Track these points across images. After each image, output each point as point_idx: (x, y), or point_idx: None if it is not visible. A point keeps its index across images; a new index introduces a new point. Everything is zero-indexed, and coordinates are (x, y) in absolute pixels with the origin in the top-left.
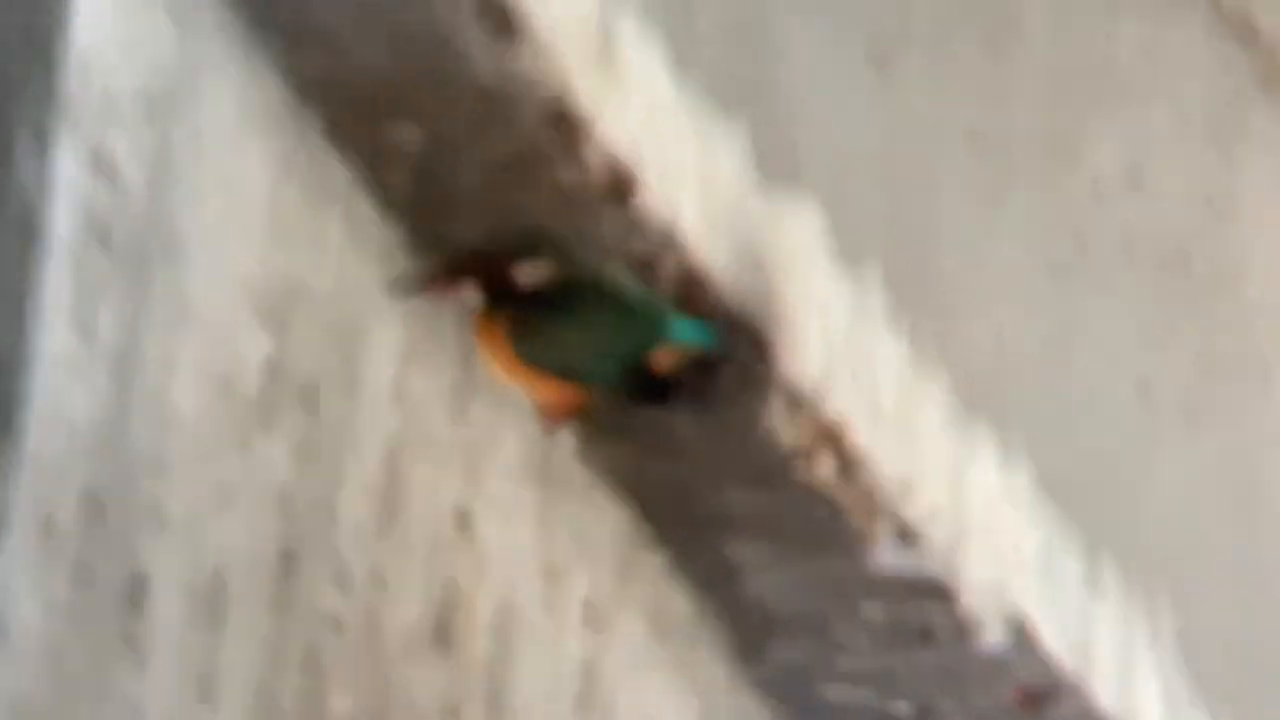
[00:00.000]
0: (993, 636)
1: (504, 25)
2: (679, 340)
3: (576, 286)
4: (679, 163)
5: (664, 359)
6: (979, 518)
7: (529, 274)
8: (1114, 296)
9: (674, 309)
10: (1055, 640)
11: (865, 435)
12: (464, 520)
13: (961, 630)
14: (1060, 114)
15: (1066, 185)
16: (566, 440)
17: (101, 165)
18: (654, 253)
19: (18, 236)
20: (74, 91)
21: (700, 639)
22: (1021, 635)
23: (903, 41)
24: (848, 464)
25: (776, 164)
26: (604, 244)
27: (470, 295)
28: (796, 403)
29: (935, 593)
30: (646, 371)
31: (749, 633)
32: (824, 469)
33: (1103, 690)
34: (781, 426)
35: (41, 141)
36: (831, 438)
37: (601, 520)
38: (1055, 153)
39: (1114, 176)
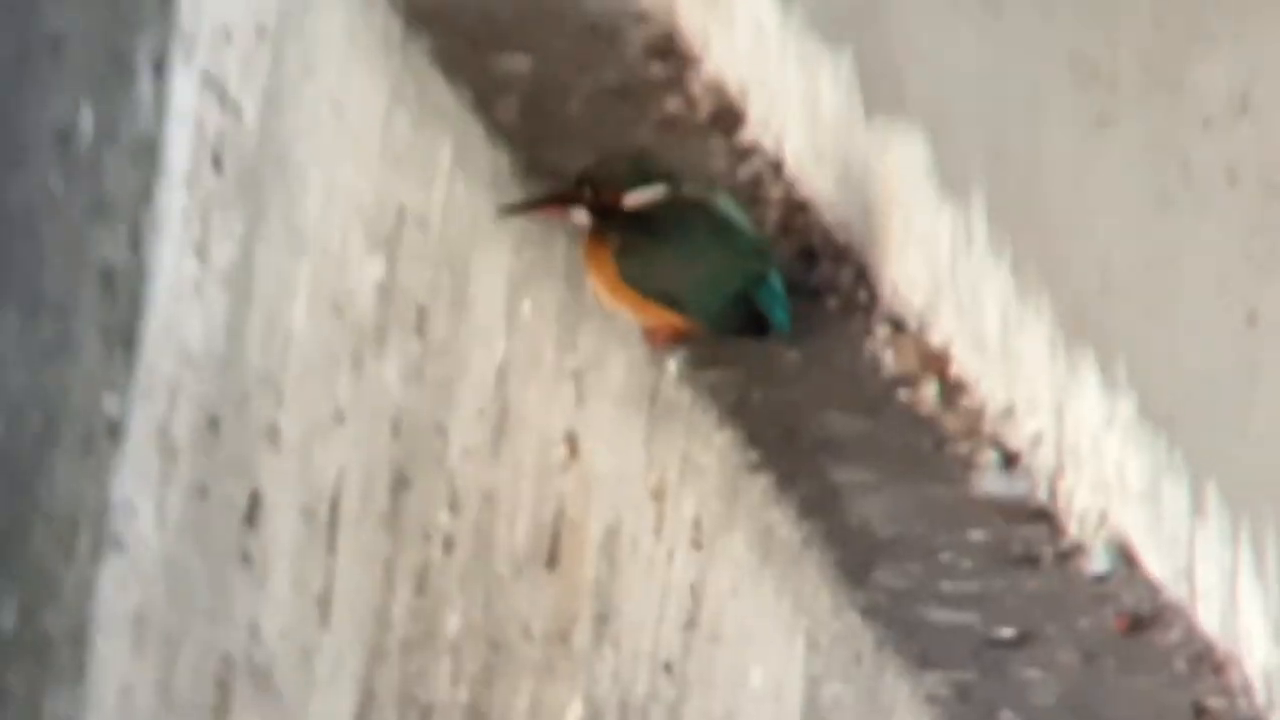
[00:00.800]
0: (1096, 562)
1: None
2: (768, 305)
3: (685, 213)
4: (784, 93)
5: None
6: (1083, 444)
7: (639, 197)
8: (1220, 224)
9: (774, 260)
10: (1159, 566)
11: (969, 362)
12: (573, 443)
13: (1065, 555)
14: (1166, 41)
15: (1172, 112)
16: (672, 365)
17: (216, 92)
18: (760, 182)
19: (136, 161)
20: (189, 20)
21: (806, 562)
22: (1125, 561)
23: None
24: (951, 390)
25: (881, 93)
26: (711, 173)
27: (579, 218)
28: (900, 330)
29: (1039, 518)
30: (748, 308)
31: (854, 556)
32: (928, 395)
33: (1206, 616)
34: (885, 353)
35: (159, 69)
36: (935, 364)
37: (707, 444)
38: (1160, 80)
39: (1220, 104)
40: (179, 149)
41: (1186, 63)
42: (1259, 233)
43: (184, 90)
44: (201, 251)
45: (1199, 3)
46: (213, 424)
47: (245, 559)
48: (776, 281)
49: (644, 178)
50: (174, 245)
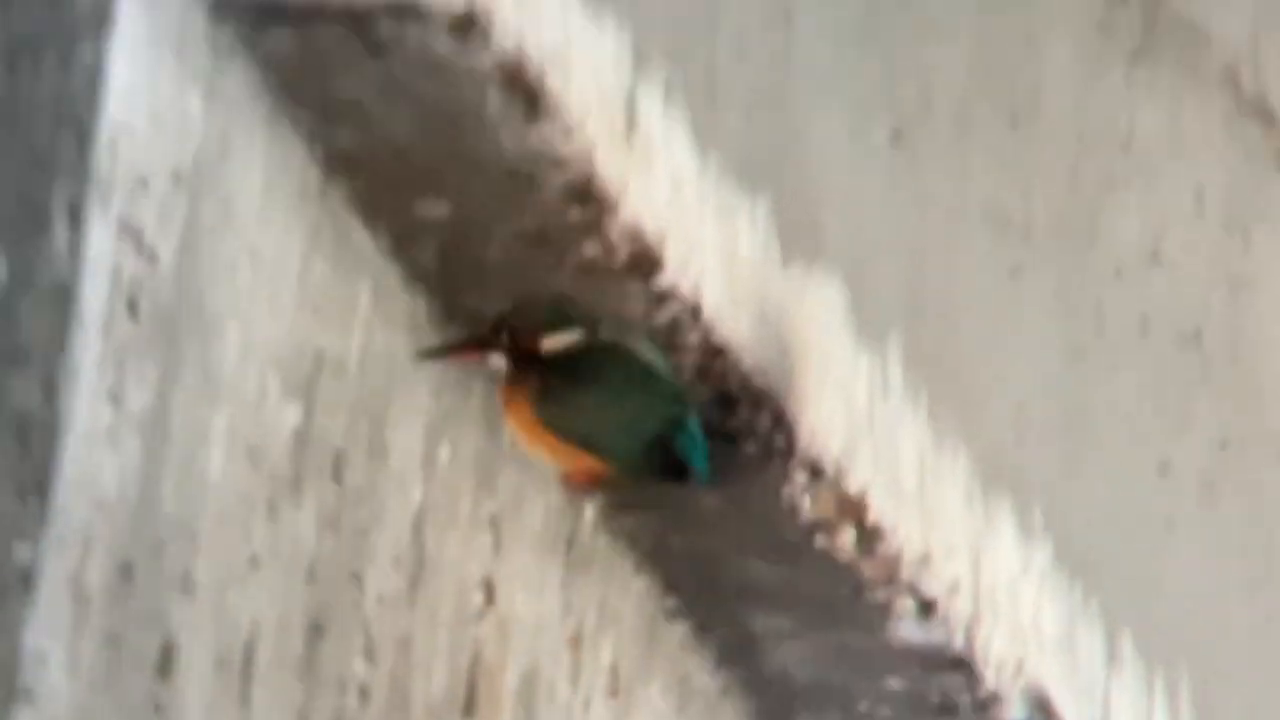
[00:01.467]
0: (1014, 711)
1: (530, 103)
2: (686, 451)
3: (603, 358)
4: (702, 239)
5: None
6: (999, 592)
7: (556, 342)
8: (1132, 375)
9: (692, 408)
10: (1075, 715)
11: (886, 508)
12: (489, 590)
13: (983, 705)
14: (1079, 192)
15: (1085, 263)
16: (590, 510)
17: (132, 239)
18: (678, 326)
19: (51, 308)
20: (105, 166)
21: (723, 710)
22: (1042, 710)
23: (923, 119)
24: (869, 537)
25: (798, 240)
26: (629, 318)
27: (497, 363)
28: (818, 476)
29: (956, 667)
30: (667, 452)
31: (772, 704)
32: (845, 542)
33: None
34: (803, 499)
35: (75, 215)
36: (853, 511)
37: (625, 590)
38: (1074, 231)
39: (1132, 255)
40: (94, 296)
41: (1099, 213)
42: (1171, 383)
43: (100, 237)
44: (116, 398)
45: (1111, 156)
46: (126, 572)
47: (158, 710)
48: (695, 427)
49: (561, 322)
50: (89, 393)
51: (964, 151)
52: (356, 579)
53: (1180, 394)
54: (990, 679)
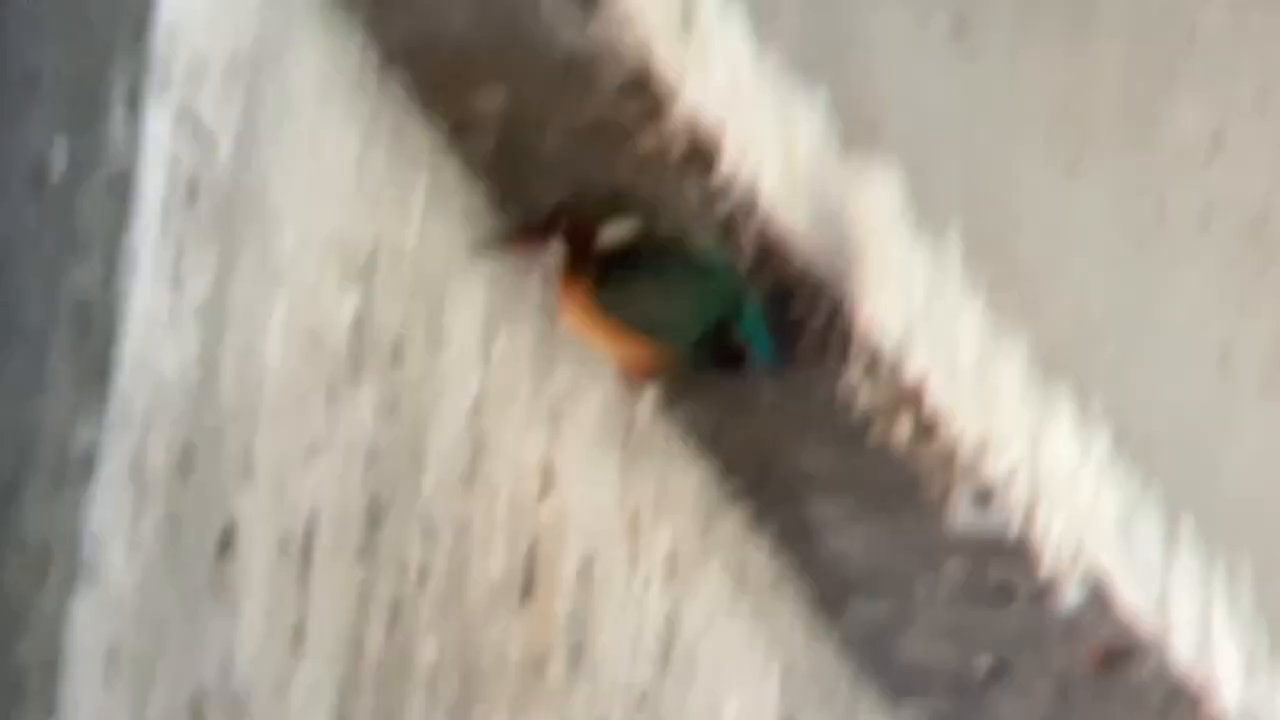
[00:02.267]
0: (1070, 596)
1: None
2: (748, 335)
3: (661, 248)
4: (760, 130)
5: (736, 336)
6: (1057, 479)
7: (614, 233)
8: (1193, 264)
9: (753, 294)
10: (1133, 600)
11: (944, 397)
12: (548, 476)
13: (1039, 590)
14: (1141, 82)
15: (1146, 152)
16: (648, 398)
17: (190, 126)
18: (735, 219)
19: (111, 194)
20: (163, 55)
21: (781, 595)
22: (1099, 595)
23: (984, 9)
24: (926, 425)
25: (856, 131)
26: (686, 209)
27: (555, 253)
28: (875, 365)
29: (1013, 552)
30: (724, 340)
31: (829, 589)
32: (903, 430)
33: (1181, 650)
34: (861, 388)
35: (133, 104)
36: (910, 399)
37: (683, 477)
38: (1135, 120)
39: (1194, 144)
40: (153, 183)
41: (1160, 104)
42: (1233, 272)
43: (158, 124)
44: (176, 284)
45: (1170, 46)
46: (187, 456)
47: (219, 590)
48: (755, 313)
49: (620, 212)
50: (148, 279)
51: (1025, 42)
52: (416, 464)
53: (1242, 283)
54: (1047, 565)
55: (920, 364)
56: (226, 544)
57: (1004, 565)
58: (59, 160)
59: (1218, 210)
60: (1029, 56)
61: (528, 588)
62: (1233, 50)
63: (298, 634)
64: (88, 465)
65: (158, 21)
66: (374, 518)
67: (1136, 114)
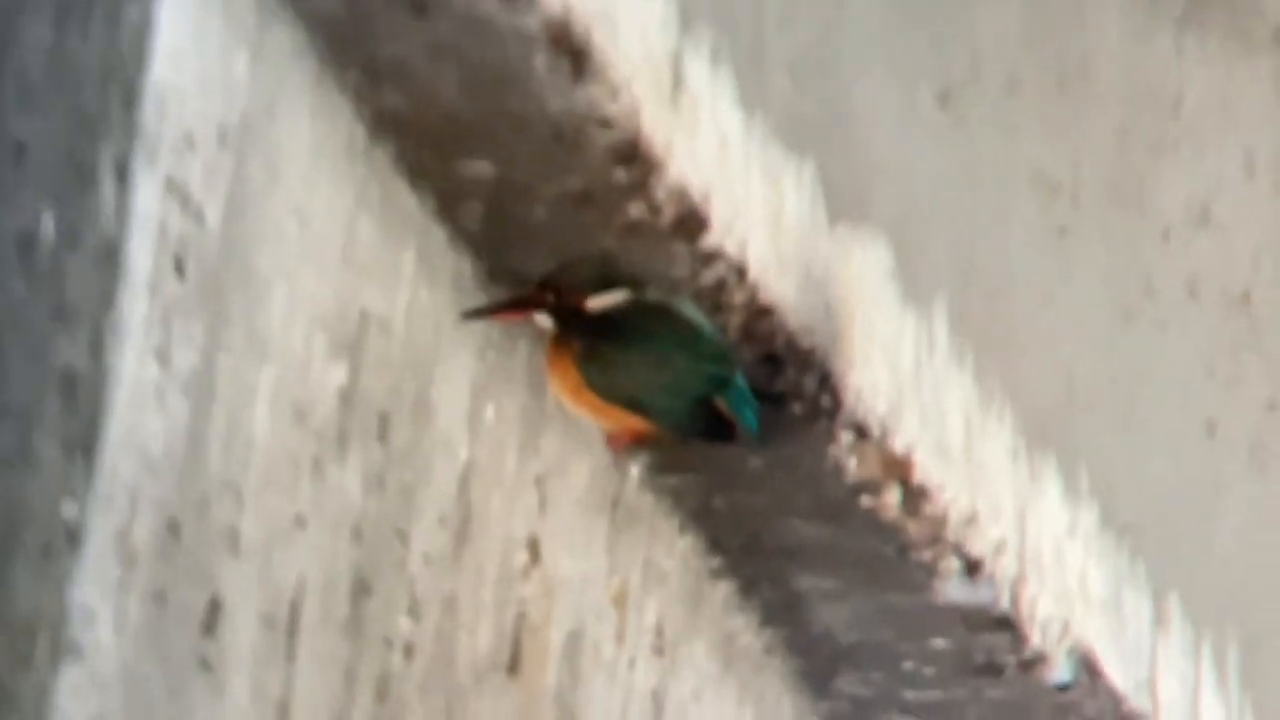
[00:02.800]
0: (1059, 672)
1: (576, 63)
2: (734, 407)
3: (649, 318)
4: (747, 199)
5: (724, 407)
6: (1045, 553)
7: (602, 301)
8: (1181, 336)
9: (738, 365)
10: (1121, 677)
11: (932, 469)
12: (535, 548)
13: (1028, 664)
14: (1128, 156)
15: (1134, 226)
16: (635, 470)
17: (178, 197)
18: (723, 287)
19: (98, 267)
20: (152, 125)
21: (768, 669)
22: (1088, 671)
23: (971, 82)
24: (914, 497)
25: (845, 202)
26: (674, 279)
27: (543, 323)
28: (864, 436)
29: (1002, 627)
30: (712, 412)
31: (816, 664)
32: (891, 502)
33: None
34: (849, 460)
35: (121, 174)
36: (898, 471)
37: (670, 550)
38: (1122, 194)
39: (1181, 215)
40: (141, 254)
41: (1147, 176)
42: (1220, 345)
43: (147, 196)
44: (163, 357)
45: (1158, 118)
46: (173, 530)
47: (204, 666)
48: (742, 384)
49: (607, 282)
50: (135, 351)
51: (1012, 114)
52: (402, 538)
53: (1229, 355)
54: (1036, 639)
55: (908, 435)
56: (212, 619)
57: (992, 640)
58: (47, 232)
59: (1205, 281)
60: (1016, 127)
61: (514, 662)
62: (1219, 122)
63: (283, 710)
64: (73, 540)
65: (146, 92)
66: (360, 592)
67: (1123, 185)
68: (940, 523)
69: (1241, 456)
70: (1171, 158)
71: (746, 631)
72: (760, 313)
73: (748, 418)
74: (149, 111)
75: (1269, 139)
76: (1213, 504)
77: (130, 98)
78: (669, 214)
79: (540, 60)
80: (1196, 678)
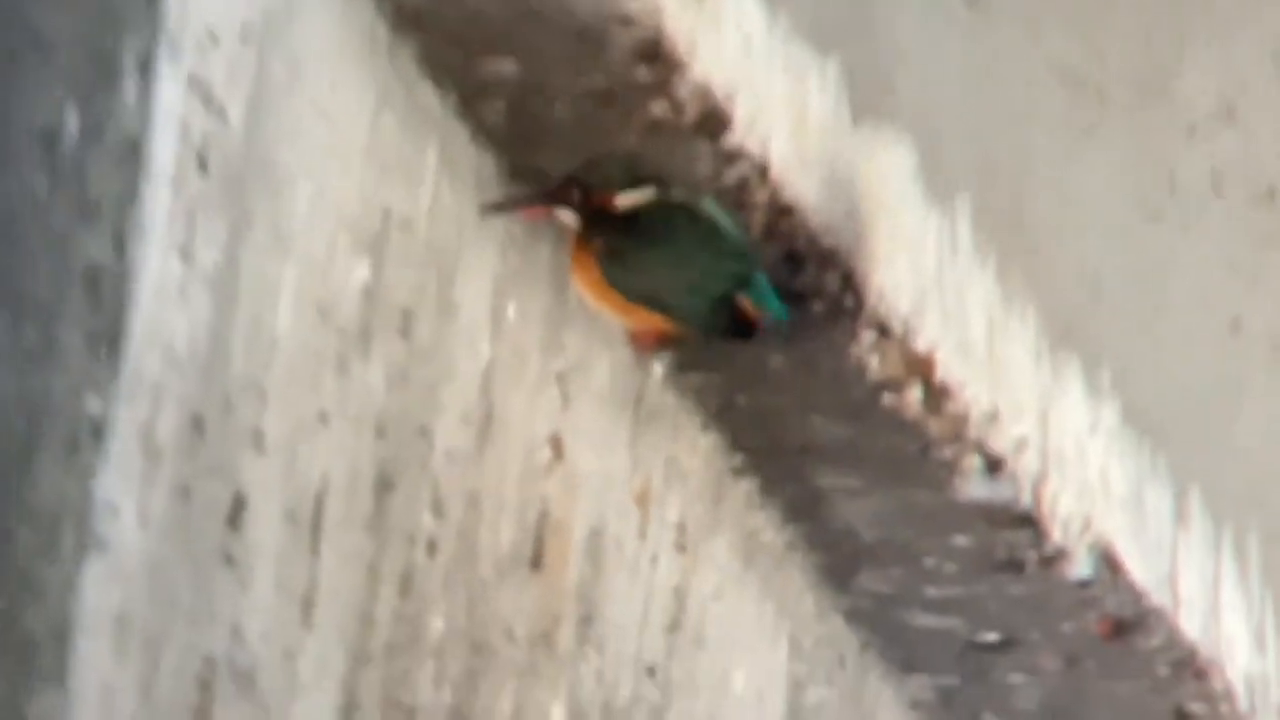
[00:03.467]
0: (1079, 567)
1: None
2: (759, 300)
3: (672, 216)
4: (771, 98)
5: (747, 305)
6: (1067, 450)
7: (628, 199)
8: (1205, 233)
9: (760, 263)
10: (1142, 572)
11: (954, 368)
12: (557, 446)
13: (1048, 561)
14: (1152, 50)
15: (1157, 122)
16: (657, 368)
17: (201, 94)
18: (746, 186)
19: (121, 163)
20: (175, 23)
21: (789, 566)
22: (1108, 566)
23: None
24: (936, 395)
25: (868, 99)
26: (697, 177)
27: (565, 220)
28: (885, 335)
29: (1022, 523)
30: (734, 310)
31: (838, 560)
32: (912, 400)
33: (1188, 622)
34: (870, 358)
35: (144, 71)
36: (920, 370)
37: (692, 448)
38: (1147, 89)
39: (1206, 113)
40: (164, 151)
41: (1172, 72)
42: (1244, 242)
43: (169, 92)
44: (186, 254)
45: (1184, 13)
46: (197, 425)
47: (228, 560)
48: (764, 281)
49: (633, 180)
50: (159, 247)
51: (1037, 10)
52: (425, 434)
53: (1253, 253)
54: (1057, 536)
55: (930, 334)
56: (236, 514)
57: (1013, 537)
58: (70, 128)
59: (1229, 179)
60: (1041, 25)
61: (537, 559)
62: (1246, 16)
63: (307, 605)
64: (98, 435)
65: None
66: (383, 489)
67: (1148, 82)
68: (962, 421)
69: (1265, 353)
70: (1197, 53)
71: (768, 528)
72: (783, 211)
73: (775, 308)
74: (172, 7)
75: None
76: (1235, 401)
77: None
78: (691, 112)
79: None
80: (1217, 573)
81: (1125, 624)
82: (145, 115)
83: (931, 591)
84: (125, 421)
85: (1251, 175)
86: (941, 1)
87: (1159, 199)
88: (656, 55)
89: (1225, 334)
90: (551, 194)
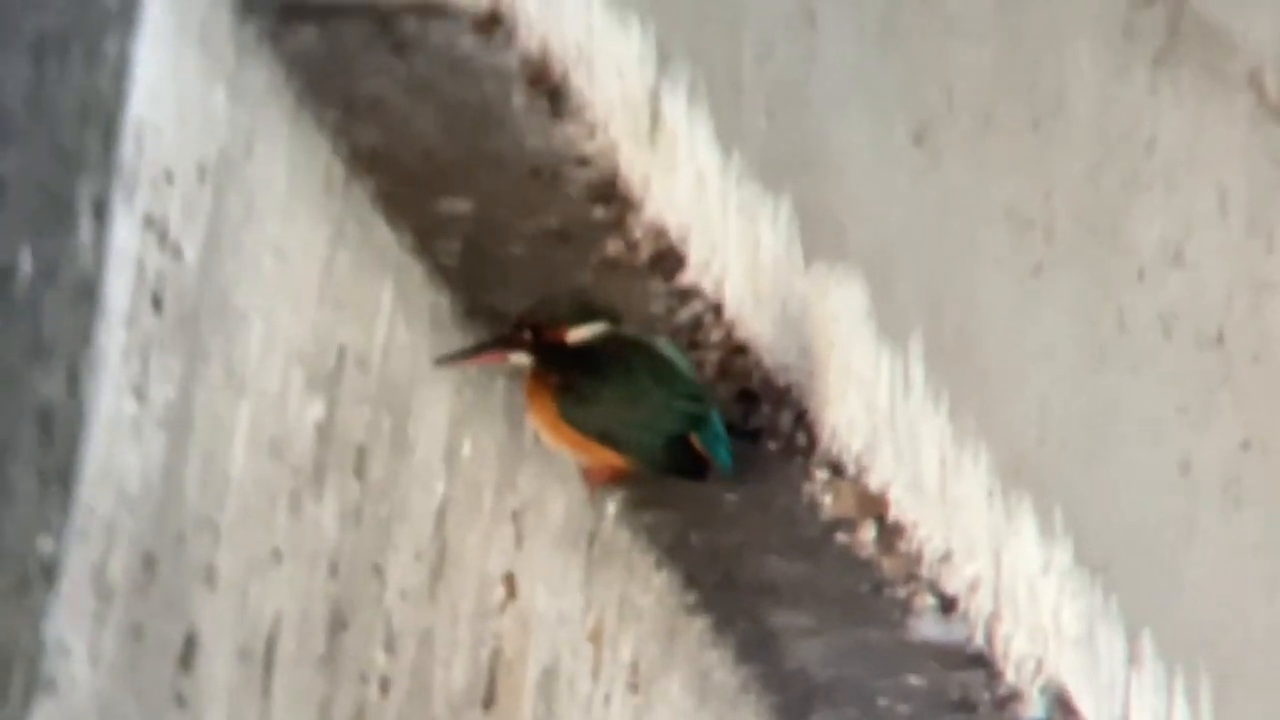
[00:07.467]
0: (1033, 709)
1: (554, 101)
2: (709, 444)
3: (626, 353)
4: (724, 238)
5: (700, 445)
6: (1020, 590)
7: (580, 334)
8: (1154, 375)
9: (714, 403)
10: (1095, 713)
11: (907, 506)
12: (511, 583)
13: (1002, 702)
14: (1102, 194)
15: (1107, 264)
16: (611, 506)
17: (156, 233)
18: (700, 325)
19: (76, 302)
20: (131, 162)
21: (743, 706)
22: (1061, 708)
23: (946, 119)
24: (889, 534)
25: (820, 239)
26: (650, 316)
27: (519, 361)
28: (839, 474)
29: (976, 664)
30: (688, 450)
31: (791, 700)
32: (866, 539)
33: None
34: (824, 497)
35: (100, 210)
36: (874, 508)
37: (646, 586)
38: (1096, 231)
39: (1155, 256)
40: (119, 290)
41: (1121, 214)
42: (1192, 383)
43: (124, 232)
44: (140, 392)
45: (1133, 156)
46: (149, 564)
47: (180, 701)
48: (718, 422)
49: (584, 315)
50: (112, 386)
51: (986, 152)
52: (378, 572)
53: (1202, 395)
54: (1010, 676)
55: (883, 473)
56: (188, 654)
57: (967, 677)
58: (25, 267)
59: (1178, 320)
60: (990, 165)
61: (490, 698)
62: (1193, 161)
63: None
64: (49, 575)
65: (125, 128)
66: (336, 627)
67: (1097, 223)
68: (915, 560)
69: (1215, 495)
70: (1145, 196)
71: (721, 668)
72: (736, 350)
73: (722, 456)
74: (127, 148)
75: (1242, 179)
76: (1186, 542)
77: (109, 134)
78: (646, 251)
79: (518, 98)
80: (1169, 715)
81: None
82: (100, 255)
83: None
84: (77, 561)
85: (1200, 318)
86: (891, 142)
87: (1109, 340)
88: (611, 195)
89: (1175, 474)
90: (503, 340)
